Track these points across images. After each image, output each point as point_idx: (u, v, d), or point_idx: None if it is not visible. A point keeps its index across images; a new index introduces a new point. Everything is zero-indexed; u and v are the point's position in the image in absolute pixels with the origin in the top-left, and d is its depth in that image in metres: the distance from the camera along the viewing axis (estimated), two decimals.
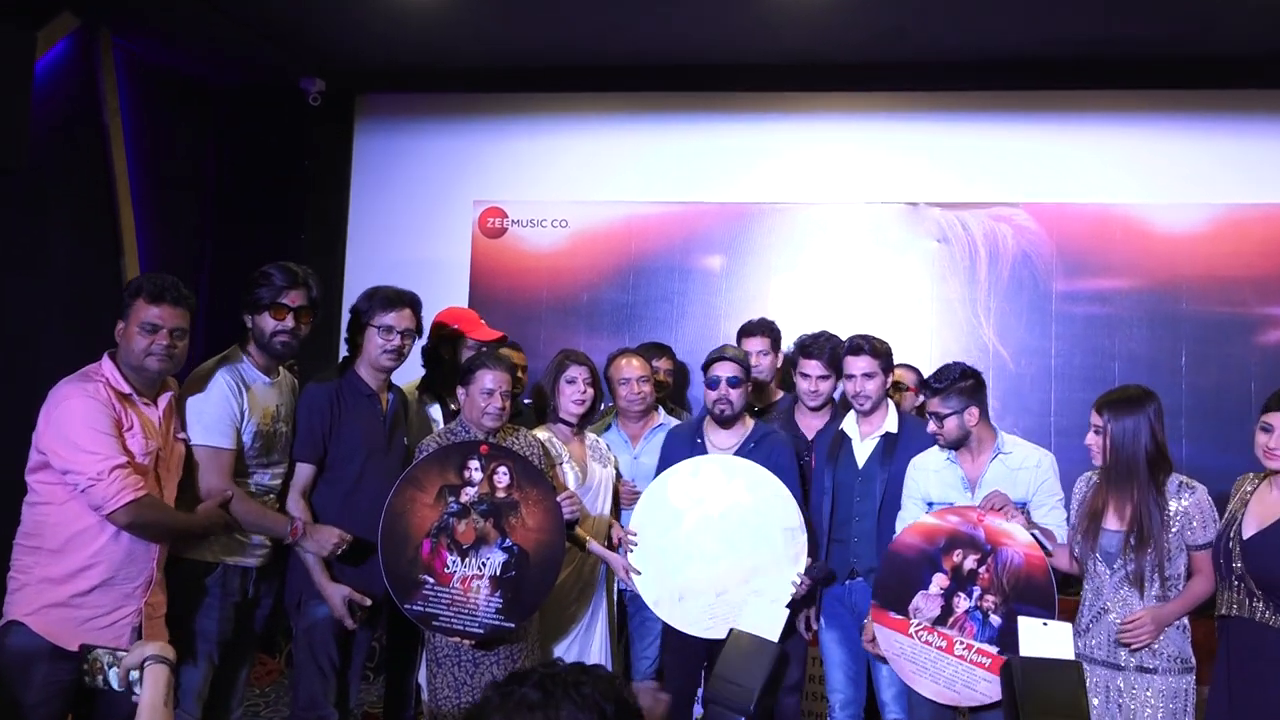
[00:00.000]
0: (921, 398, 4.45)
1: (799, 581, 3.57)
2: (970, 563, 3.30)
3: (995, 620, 3.24)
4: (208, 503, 3.20)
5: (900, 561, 3.42)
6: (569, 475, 3.80)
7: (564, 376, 3.85)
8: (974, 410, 3.51)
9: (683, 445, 3.87)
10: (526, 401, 4.34)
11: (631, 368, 4.13)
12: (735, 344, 4.49)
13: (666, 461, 3.85)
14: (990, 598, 3.26)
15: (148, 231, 5.58)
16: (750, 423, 3.88)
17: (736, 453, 3.77)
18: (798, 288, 5.76)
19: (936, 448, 3.63)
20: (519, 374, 4.26)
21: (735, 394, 3.78)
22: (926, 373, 4.59)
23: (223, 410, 3.25)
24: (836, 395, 4.12)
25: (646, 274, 5.90)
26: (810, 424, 4.04)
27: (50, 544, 2.95)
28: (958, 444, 3.56)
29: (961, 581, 3.31)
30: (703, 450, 3.83)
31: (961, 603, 3.29)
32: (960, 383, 3.51)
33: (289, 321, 3.36)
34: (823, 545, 3.74)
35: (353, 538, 3.40)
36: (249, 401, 3.32)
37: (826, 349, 3.92)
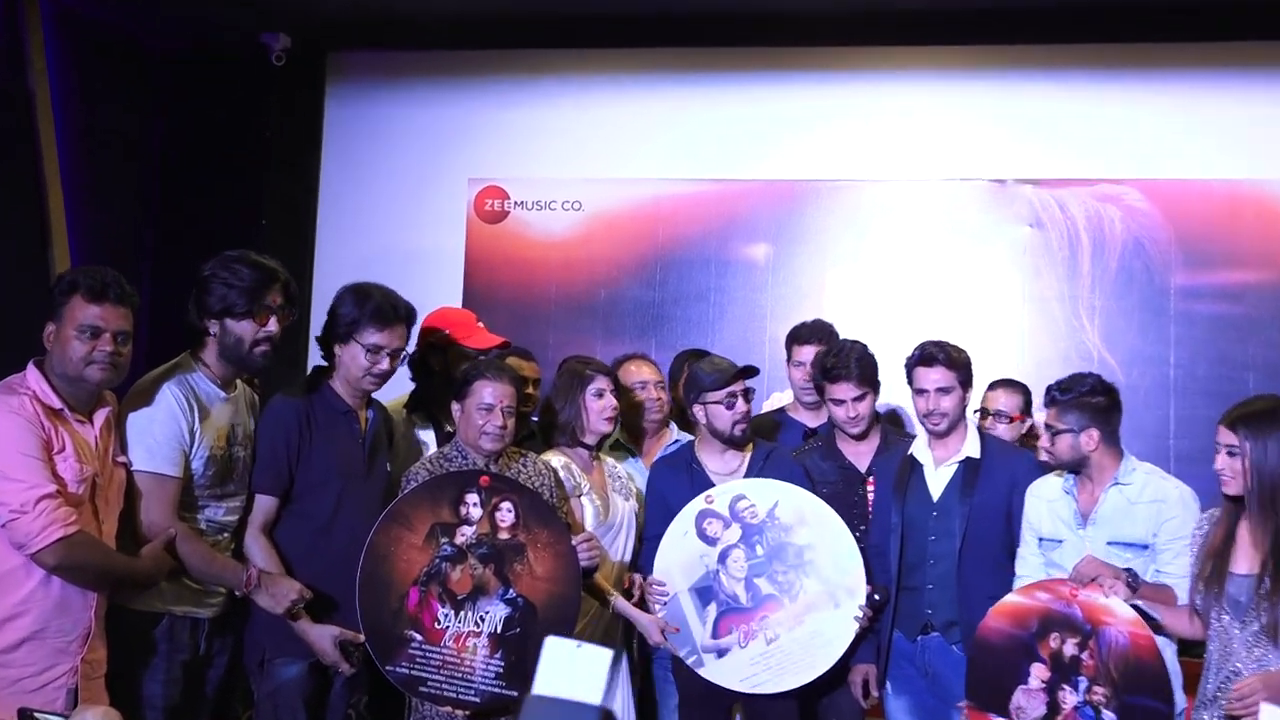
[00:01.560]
0: (1028, 425, 4.43)
1: (861, 614, 3.63)
2: (1070, 648, 3.33)
3: (1109, 717, 3.25)
4: (153, 544, 3.20)
5: (991, 651, 3.44)
6: (587, 510, 3.82)
7: (590, 389, 3.88)
8: (1094, 433, 3.50)
9: (676, 475, 3.93)
10: (535, 420, 4.34)
11: (643, 371, 4.27)
12: (786, 351, 4.51)
13: (659, 496, 3.92)
14: (1100, 689, 3.27)
15: (80, 216, 5.60)
16: (749, 443, 4.00)
17: (746, 477, 3.88)
18: (859, 283, 5.74)
19: (1055, 474, 3.64)
20: (529, 388, 4.27)
21: (750, 410, 3.92)
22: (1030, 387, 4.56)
23: (170, 430, 3.26)
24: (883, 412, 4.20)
25: (677, 266, 5.89)
26: (858, 451, 4.07)
27: None
28: (1073, 468, 3.56)
29: (1064, 671, 3.33)
30: (702, 478, 3.89)
31: (1069, 698, 3.31)
32: (1088, 397, 3.52)
33: (273, 326, 3.37)
34: (891, 592, 3.78)
35: (312, 594, 3.40)
36: (201, 420, 3.33)
37: (854, 364, 3.94)
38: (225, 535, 3.43)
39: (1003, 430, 4.37)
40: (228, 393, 3.44)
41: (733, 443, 3.91)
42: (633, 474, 4.14)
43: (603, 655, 2.27)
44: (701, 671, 3.69)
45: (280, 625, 3.39)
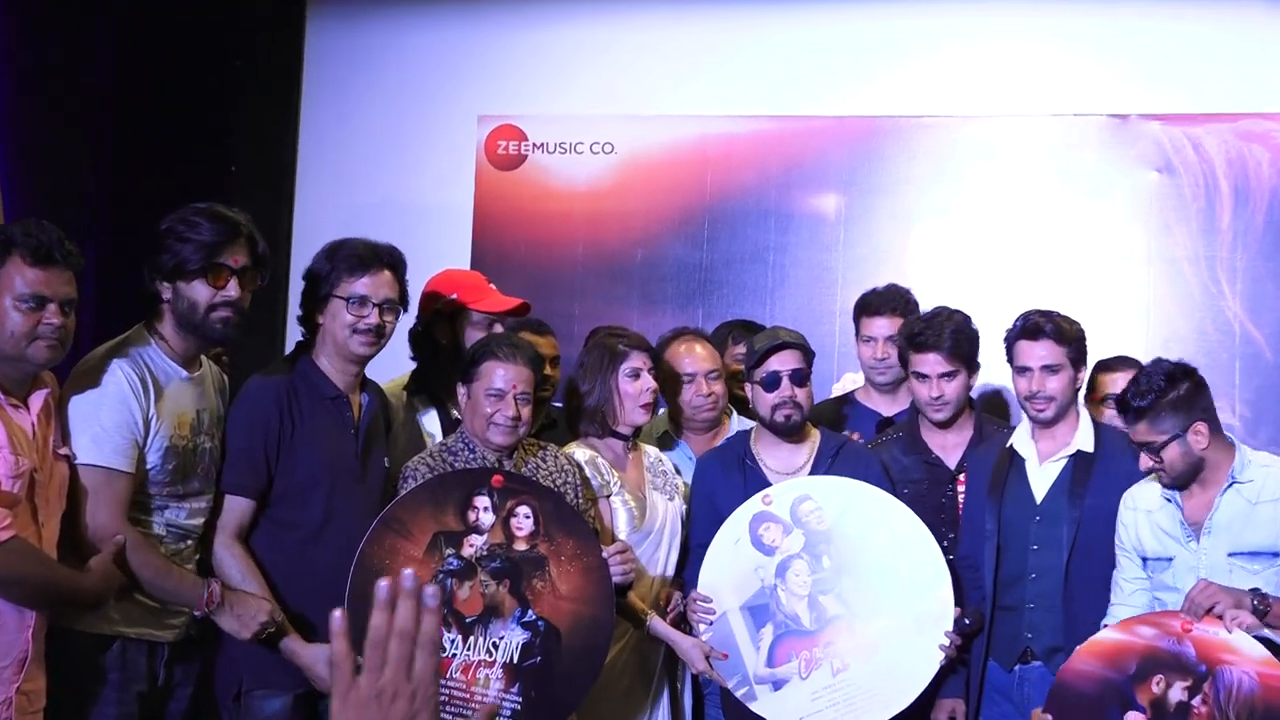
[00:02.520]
0: None
1: (948, 642, 3.61)
2: (1178, 693, 3.29)
3: None
4: (103, 555, 3.20)
5: (1074, 698, 3.40)
6: (619, 513, 3.82)
7: (623, 368, 3.87)
8: (1201, 426, 3.45)
9: (726, 472, 3.94)
10: (557, 405, 4.33)
11: (695, 356, 4.18)
12: (855, 323, 4.52)
13: (705, 497, 3.94)
14: None
15: (16, 163, 5.63)
16: (815, 433, 3.99)
17: (810, 474, 3.89)
18: (949, 241, 5.72)
19: (1152, 477, 3.60)
20: (547, 368, 4.26)
21: (802, 394, 3.90)
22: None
23: (121, 416, 3.25)
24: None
25: (729, 221, 5.89)
26: (945, 442, 4.08)
27: None
28: (1189, 479, 3.51)
29: None
30: (757, 476, 3.90)
31: None
32: (1170, 392, 3.45)
33: (231, 289, 3.37)
34: (986, 612, 3.79)
35: (283, 616, 3.39)
36: (159, 405, 3.33)
37: (947, 334, 3.94)
38: (189, 543, 3.44)
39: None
40: (190, 371, 3.45)
41: (778, 432, 3.90)
42: (681, 466, 4.14)
43: None
44: (754, 706, 3.68)
45: (260, 650, 3.40)
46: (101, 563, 3.18)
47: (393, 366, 4.04)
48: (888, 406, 4.43)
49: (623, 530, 3.79)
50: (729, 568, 3.74)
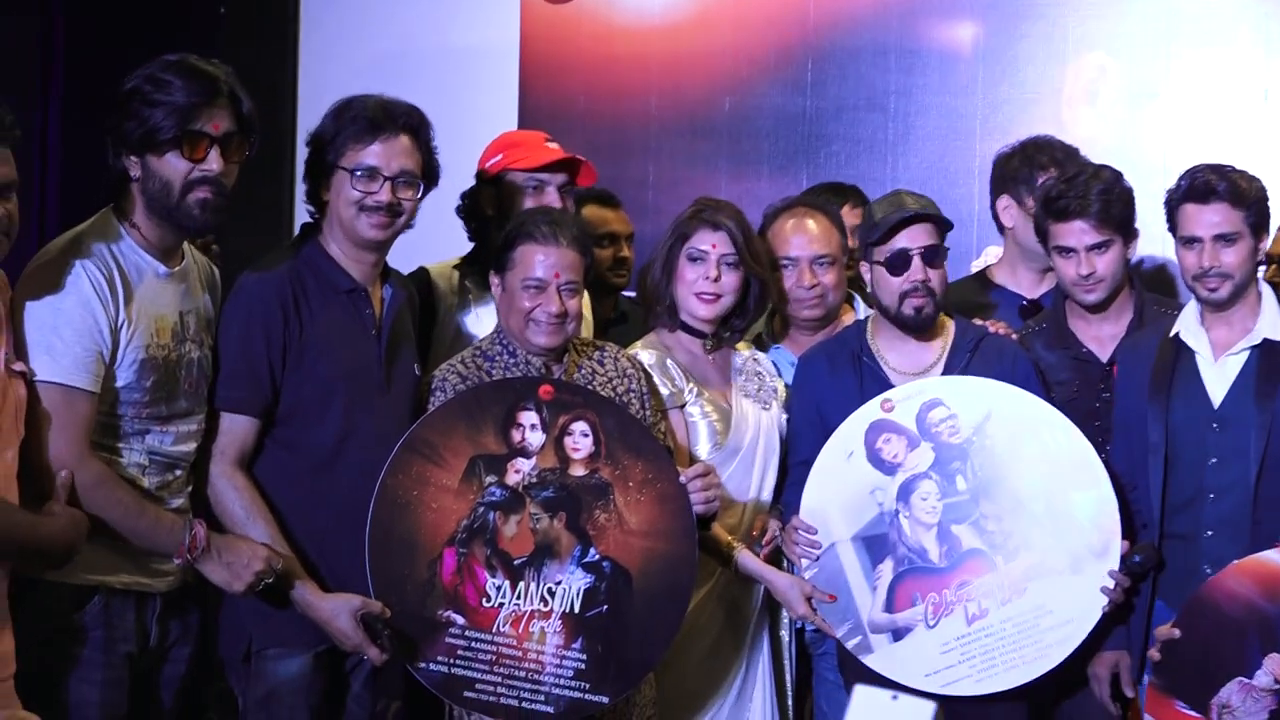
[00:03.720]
0: None
1: (1113, 585, 3.61)
2: None
3: None
4: (60, 495, 3.19)
5: (1212, 618, 3.43)
6: (700, 428, 3.83)
7: (686, 248, 3.86)
8: None
9: (837, 373, 3.94)
10: (630, 295, 4.34)
11: (805, 235, 4.13)
12: (994, 186, 4.49)
13: (810, 403, 3.93)
14: None
15: None
16: (948, 324, 3.96)
17: (943, 374, 3.88)
18: (1117, 79, 5.66)
19: None
20: (623, 249, 4.27)
21: (936, 277, 3.89)
22: None
23: (83, 324, 3.24)
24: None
25: (838, 60, 5.87)
26: (1100, 332, 4.06)
27: None
28: None
29: None
30: (877, 377, 3.89)
31: None
32: None
33: (212, 162, 3.34)
34: (1153, 538, 3.75)
35: (282, 563, 3.39)
36: (130, 309, 3.32)
37: (1094, 196, 3.89)
38: (178, 473, 3.45)
39: None
40: (169, 265, 3.43)
41: (905, 325, 3.88)
42: (783, 366, 4.14)
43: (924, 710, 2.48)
44: (868, 660, 3.70)
45: (269, 601, 3.43)
46: (66, 505, 3.18)
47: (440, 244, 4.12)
48: (1032, 288, 4.39)
49: (703, 448, 3.81)
50: (839, 489, 3.75)
